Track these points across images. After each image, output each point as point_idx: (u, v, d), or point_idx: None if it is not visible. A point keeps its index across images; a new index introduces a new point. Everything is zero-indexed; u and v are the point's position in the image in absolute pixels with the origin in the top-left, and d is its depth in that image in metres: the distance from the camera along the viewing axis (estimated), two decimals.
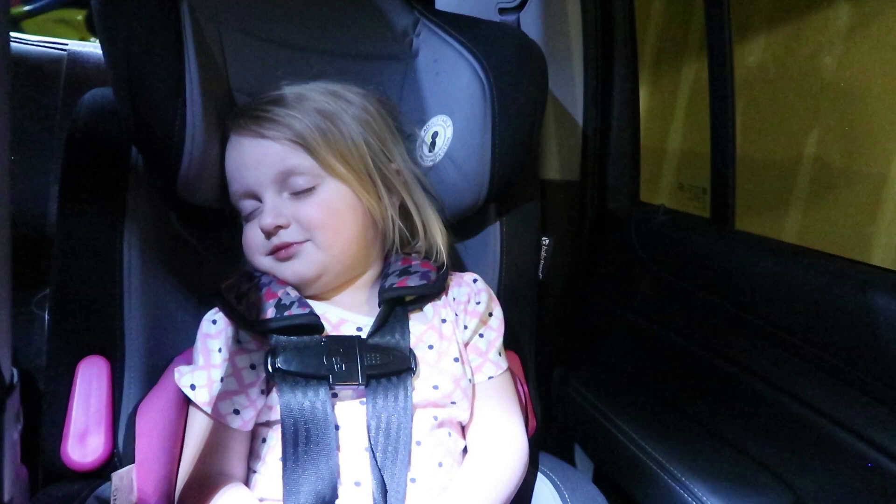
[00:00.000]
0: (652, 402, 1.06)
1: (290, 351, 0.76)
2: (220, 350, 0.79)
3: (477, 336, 0.86)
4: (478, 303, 0.87)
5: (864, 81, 1.16)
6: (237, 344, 0.79)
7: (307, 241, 0.81)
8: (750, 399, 0.90)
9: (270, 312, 0.77)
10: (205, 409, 0.76)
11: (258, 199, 0.82)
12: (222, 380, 0.77)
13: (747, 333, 0.91)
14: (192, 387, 0.77)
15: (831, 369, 0.79)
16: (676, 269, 1.05)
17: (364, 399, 0.76)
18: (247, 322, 0.78)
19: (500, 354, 0.87)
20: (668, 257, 1.07)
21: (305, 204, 0.80)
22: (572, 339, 1.23)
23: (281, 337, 0.77)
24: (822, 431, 0.79)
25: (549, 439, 1.08)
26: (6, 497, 0.45)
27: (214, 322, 0.81)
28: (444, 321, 0.84)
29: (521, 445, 0.83)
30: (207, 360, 0.78)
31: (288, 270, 0.81)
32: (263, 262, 0.82)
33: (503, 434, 0.83)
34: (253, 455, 0.79)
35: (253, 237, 0.82)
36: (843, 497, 0.77)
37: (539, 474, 0.91)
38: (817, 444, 0.80)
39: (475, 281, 0.90)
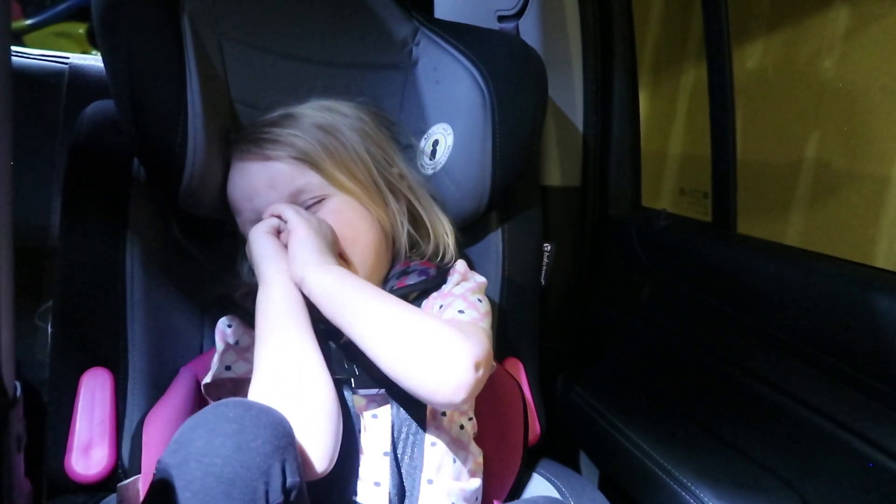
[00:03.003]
0: (656, 408, 1.05)
1: None
2: (237, 343, 0.79)
3: (437, 308, 0.81)
4: (453, 284, 0.84)
5: (865, 83, 1.16)
6: (246, 343, 0.79)
7: None
8: (755, 403, 0.90)
9: None
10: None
11: None
12: (228, 368, 0.77)
13: (751, 337, 0.91)
14: (228, 367, 0.77)
15: (835, 372, 0.79)
16: (679, 274, 1.05)
17: (383, 402, 0.76)
18: None
19: (461, 312, 0.78)
20: (671, 262, 1.07)
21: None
22: (575, 346, 1.23)
23: None
24: (828, 434, 0.79)
25: (553, 446, 1.07)
26: None
27: (230, 326, 0.82)
28: (440, 307, 0.82)
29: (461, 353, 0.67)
30: (219, 351, 0.79)
31: None
32: None
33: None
34: None
35: None
36: (850, 500, 0.77)
37: (544, 481, 0.91)
38: (823, 448, 0.80)
39: (455, 263, 0.88)
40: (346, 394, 0.75)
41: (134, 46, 0.79)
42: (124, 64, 0.79)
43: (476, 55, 0.94)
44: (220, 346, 0.80)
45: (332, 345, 0.78)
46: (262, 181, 0.82)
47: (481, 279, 0.86)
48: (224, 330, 0.81)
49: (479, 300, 0.81)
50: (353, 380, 0.75)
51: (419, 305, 0.83)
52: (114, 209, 0.85)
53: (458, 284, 0.83)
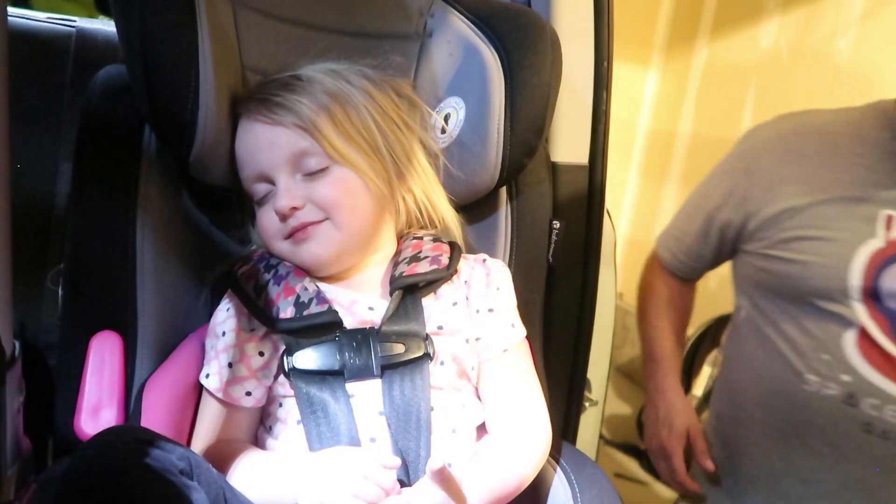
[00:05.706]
0: None
1: (306, 348, 0.77)
2: (226, 335, 0.80)
3: (486, 312, 0.85)
4: (486, 283, 0.86)
5: (880, 63, 1.15)
6: (247, 332, 0.80)
7: (324, 220, 0.80)
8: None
9: (290, 311, 0.78)
10: (217, 395, 0.78)
11: (271, 182, 0.82)
12: (231, 366, 0.78)
13: None
14: (207, 375, 0.79)
15: None
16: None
17: (381, 389, 0.77)
18: (265, 317, 0.79)
19: (513, 326, 0.86)
20: None
21: (319, 184, 0.80)
22: (581, 323, 1.23)
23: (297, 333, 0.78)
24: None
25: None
26: (8, 468, 0.45)
27: (228, 310, 0.82)
28: (455, 304, 0.83)
29: (543, 425, 0.81)
30: (218, 348, 0.80)
31: (305, 253, 0.81)
32: (281, 246, 0.82)
33: (524, 415, 0.82)
34: (271, 417, 0.81)
35: (268, 221, 0.82)
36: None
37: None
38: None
39: (484, 261, 0.89)
40: (337, 384, 0.76)
41: (146, 10, 0.79)
42: (137, 27, 0.78)
43: (490, 28, 0.93)
44: (210, 340, 0.81)
45: (335, 335, 0.78)
46: (265, 140, 0.82)
47: (507, 272, 0.89)
48: (220, 319, 0.81)
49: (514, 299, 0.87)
50: (345, 371, 0.76)
51: (430, 292, 0.83)
52: (124, 175, 0.85)
53: (498, 286, 0.86)
